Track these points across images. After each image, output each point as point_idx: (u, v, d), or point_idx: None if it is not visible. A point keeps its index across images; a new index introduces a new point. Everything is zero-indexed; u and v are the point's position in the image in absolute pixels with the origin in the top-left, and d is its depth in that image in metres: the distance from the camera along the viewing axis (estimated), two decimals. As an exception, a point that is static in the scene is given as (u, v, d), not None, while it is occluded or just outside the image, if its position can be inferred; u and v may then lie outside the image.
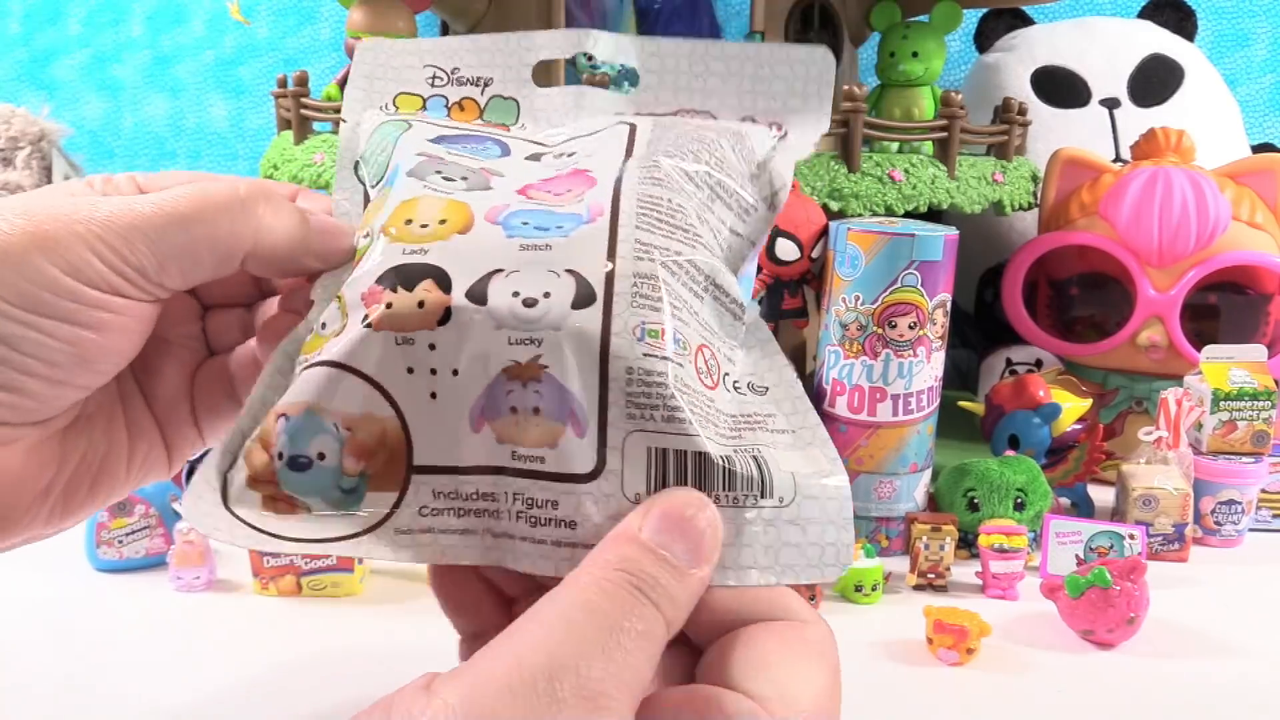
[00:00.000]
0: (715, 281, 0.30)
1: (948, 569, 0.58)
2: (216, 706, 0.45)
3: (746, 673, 0.26)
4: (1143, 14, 1.05)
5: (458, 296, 0.28)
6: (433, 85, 0.37)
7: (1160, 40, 1.00)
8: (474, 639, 0.33)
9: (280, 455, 0.29)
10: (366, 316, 0.28)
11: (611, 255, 0.29)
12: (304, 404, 0.29)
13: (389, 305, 0.28)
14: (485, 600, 0.33)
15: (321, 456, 0.29)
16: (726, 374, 0.30)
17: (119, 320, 0.29)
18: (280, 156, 0.80)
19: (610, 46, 0.35)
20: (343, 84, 0.82)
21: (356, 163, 0.35)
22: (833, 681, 0.27)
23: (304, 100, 0.78)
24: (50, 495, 0.31)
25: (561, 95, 0.36)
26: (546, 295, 0.28)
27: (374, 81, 0.37)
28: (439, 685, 0.23)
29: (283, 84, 0.82)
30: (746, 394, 0.31)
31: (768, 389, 0.31)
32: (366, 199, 0.34)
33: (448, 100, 0.36)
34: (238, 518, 0.29)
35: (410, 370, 0.28)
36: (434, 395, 0.28)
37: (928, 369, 0.61)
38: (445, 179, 0.32)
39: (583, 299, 0.28)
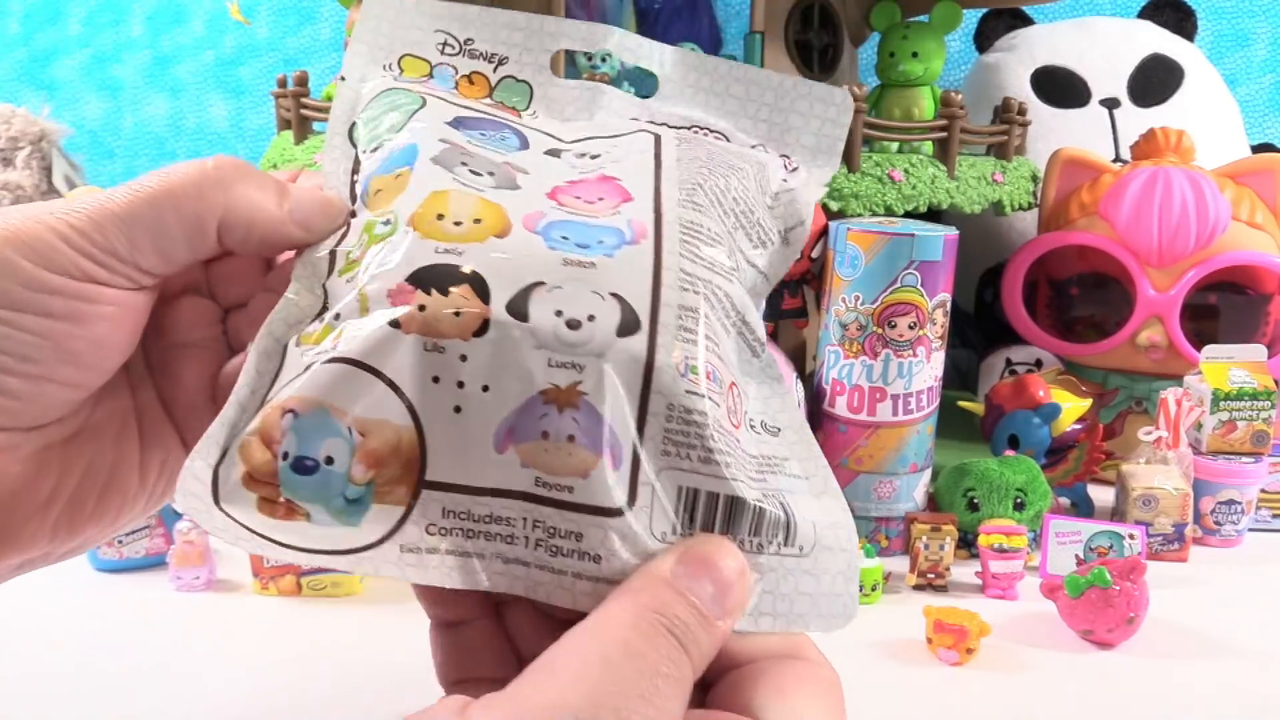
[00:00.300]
0: (745, 318, 0.30)
1: (947, 569, 0.58)
2: (216, 706, 0.45)
3: (764, 702, 0.26)
4: (1143, 14, 1.05)
5: (497, 308, 0.26)
6: (442, 52, 0.34)
7: (1160, 40, 1.00)
8: (447, 627, 0.32)
9: (285, 455, 0.27)
10: (394, 315, 0.26)
11: (657, 282, 0.27)
12: (315, 401, 0.27)
13: (421, 308, 0.26)
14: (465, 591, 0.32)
15: (330, 460, 0.27)
16: (746, 412, 0.30)
17: (100, 310, 0.29)
18: (280, 156, 0.80)
19: (635, 47, 0.35)
20: (343, 84, 0.82)
21: (353, 125, 0.33)
22: None
23: (304, 100, 0.78)
24: (52, 508, 0.30)
25: (577, 89, 0.35)
26: (591, 318, 0.26)
27: (379, 38, 0.34)
28: (475, 712, 0.23)
29: (283, 84, 0.82)
30: (762, 434, 0.30)
31: (780, 430, 0.31)
32: (356, 165, 0.32)
33: (456, 71, 0.34)
34: (230, 518, 0.27)
35: (435, 380, 0.26)
36: (458, 409, 0.27)
37: (927, 369, 0.61)
38: (472, 173, 0.30)
39: (628, 326, 0.26)
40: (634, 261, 0.28)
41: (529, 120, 0.34)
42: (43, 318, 0.28)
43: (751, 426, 0.30)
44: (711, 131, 0.34)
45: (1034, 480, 0.63)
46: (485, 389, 0.26)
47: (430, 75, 0.34)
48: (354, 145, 0.32)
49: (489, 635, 0.32)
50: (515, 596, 0.28)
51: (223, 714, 0.45)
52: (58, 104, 1.20)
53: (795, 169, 0.34)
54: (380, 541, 0.27)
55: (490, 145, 0.31)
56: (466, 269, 0.27)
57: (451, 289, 0.26)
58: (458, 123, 0.32)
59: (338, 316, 0.28)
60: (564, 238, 0.28)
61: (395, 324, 0.26)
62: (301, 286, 0.29)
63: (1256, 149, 1.03)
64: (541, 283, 0.27)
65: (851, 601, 0.28)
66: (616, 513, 0.26)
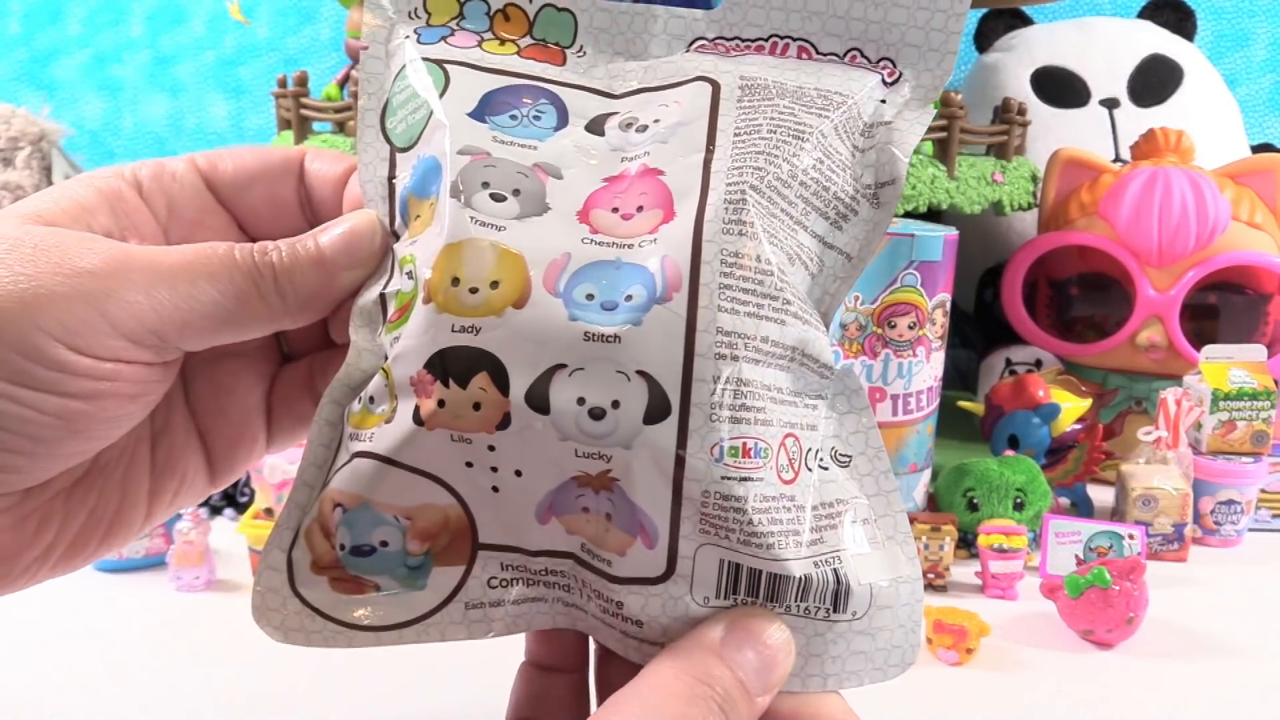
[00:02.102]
0: (805, 352, 0.27)
1: (947, 569, 0.58)
2: (216, 707, 0.45)
3: None
4: (1142, 14, 1.05)
5: (516, 399, 0.25)
6: None
7: (1160, 40, 1.00)
8: (539, 669, 0.32)
9: (343, 546, 0.27)
10: (417, 409, 0.26)
11: (690, 353, 0.25)
12: (358, 497, 0.27)
13: (440, 404, 0.25)
14: (571, 636, 0.32)
15: (384, 544, 0.27)
16: (809, 450, 0.27)
17: (120, 388, 0.26)
18: (280, 156, 0.80)
19: None
20: (343, 84, 0.82)
21: (383, 112, 0.30)
22: None
23: (304, 100, 0.78)
24: (52, 554, 0.28)
25: (628, 15, 0.30)
26: (615, 405, 0.25)
27: None
28: None
29: (283, 84, 0.82)
30: (830, 468, 0.28)
31: (850, 459, 0.28)
32: (393, 163, 0.29)
33: (489, 6, 0.30)
34: (305, 602, 0.27)
35: (469, 464, 0.26)
36: (495, 489, 0.26)
37: (927, 369, 0.61)
38: (494, 197, 0.27)
39: (656, 412, 0.25)
40: (664, 329, 0.25)
41: (573, 68, 0.30)
42: (60, 398, 0.25)
43: (820, 465, 0.28)
44: (794, 40, 0.29)
45: (1034, 480, 0.63)
46: (518, 474, 0.26)
47: (461, 14, 0.30)
48: (387, 140, 0.29)
49: (575, 689, 0.32)
50: (616, 656, 0.29)
51: (222, 714, 0.45)
52: (58, 104, 1.20)
53: (897, 78, 0.29)
54: (446, 602, 0.28)
55: (521, 135, 0.28)
56: (484, 352, 0.25)
57: (470, 379, 0.25)
58: (484, 105, 0.28)
59: (372, 400, 0.27)
60: (588, 296, 0.25)
61: (419, 421, 0.26)
62: (360, 342, 0.28)
63: (1256, 149, 1.03)
64: (563, 365, 0.25)
65: (911, 651, 0.27)
66: (655, 581, 0.26)
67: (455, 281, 0.26)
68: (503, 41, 0.30)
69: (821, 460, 0.28)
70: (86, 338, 0.25)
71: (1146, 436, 0.67)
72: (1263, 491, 0.68)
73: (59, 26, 1.21)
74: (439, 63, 0.29)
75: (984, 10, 1.07)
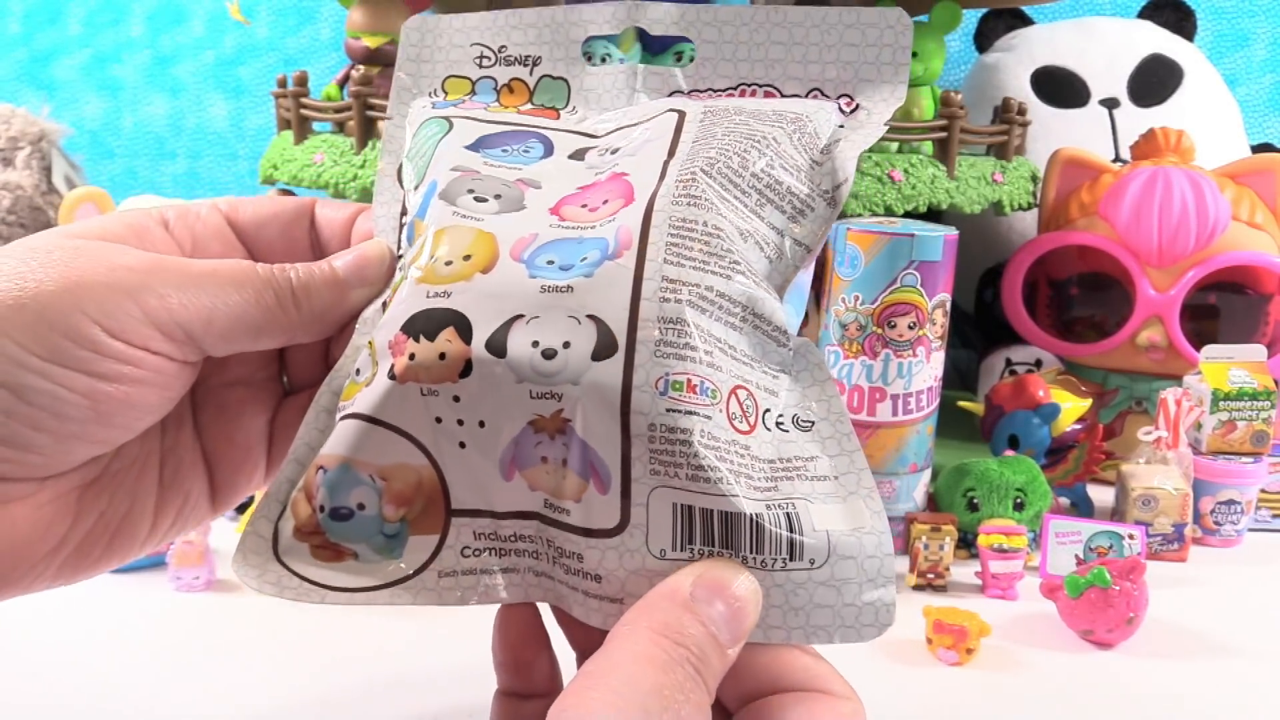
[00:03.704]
0: (754, 311, 0.29)
1: (947, 569, 0.58)
2: (216, 707, 0.45)
3: None
4: (1142, 14, 1.05)
5: (478, 347, 0.27)
6: (480, 65, 0.34)
7: (1160, 40, 1.00)
8: (513, 697, 0.32)
9: (322, 508, 0.28)
10: (392, 367, 0.28)
11: (636, 298, 0.27)
12: (339, 457, 0.28)
13: (412, 356, 0.27)
14: (543, 660, 0.32)
15: (362, 506, 0.28)
16: (767, 410, 0.28)
17: (146, 375, 0.28)
18: (280, 156, 0.80)
19: (663, 17, 0.33)
20: (343, 84, 0.82)
21: (401, 165, 0.33)
22: None
23: (304, 100, 0.78)
24: (60, 553, 0.29)
25: (613, 74, 0.34)
26: (566, 345, 0.27)
27: (421, 65, 0.35)
28: None
29: (283, 84, 0.82)
30: (790, 430, 0.29)
31: (813, 423, 0.29)
32: (404, 206, 0.32)
33: (496, 82, 0.34)
34: (287, 568, 0.29)
35: (439, 420, 0.28)
36: (463, 444, 0.28)
37: (927, 369, 0.61)
38: (476, 199, 0.30)
39: (604, 349, 0.26)
40: (613, 278, 0.27)
41: (566, 120, 0.34)
42: (90, 377, 0.27)
43: (778, 424, 0.29)
44: (760, 86, 0.32)
45: (1034, 480, 0.63)
46: (481, 424, 0.28)
47: (473, 91, 0.34)
48: (402, 187, 0.33)
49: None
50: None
51: (222, 714, 0.45)
52: (58, 104, 1.20)
53: (855, 108, 0.32)
54: (421, 570, 0.29)
55: (509, 161, 0.32)
56: (452, 310, 0.28)
57: (438, 334, 0.27)
58: (478, 144, 0.32)
59: (358, 372, 0.29)
60: (549, 262, 0.28)
61: (393, 376, 0.28)
62: (359, 341, 0.30)
63: (1256, 149, 1.03)
64: (520, 315, 0.27)
65: (885, 610, 0.27)
66: (611, 533, 0.27)
67: (434, 258, 0.29)
68: (505, 107, 0.34)
69: (782, 424, 0.29)
70: (121, 321, 0.27)
71: (1146, 436, 0.67)
72: (1263, 491, 0.68)
73: (59, 26, 1.21)
74: (445, 117, 0.33)
75: (984, 10, 1.07)
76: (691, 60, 0.33)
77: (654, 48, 0.34)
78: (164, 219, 0.32)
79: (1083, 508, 0.68)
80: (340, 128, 0.77)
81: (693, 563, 0.26)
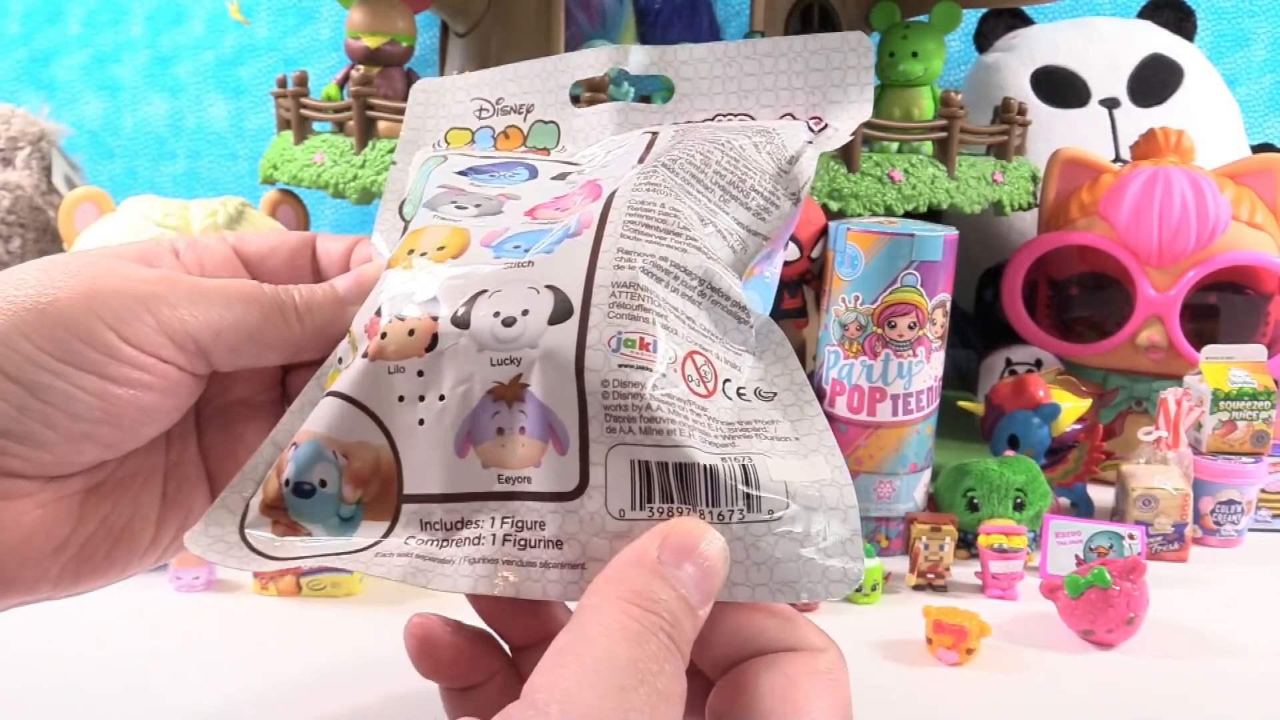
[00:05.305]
0: (712, 285, 0.30)
1: (947, 569, 0.58)
2: (216, 707, 0.45)
3: (770, 707, 0.26)
4: (1143, 14, 1.05)
5: (444, 322, 0.28)
6: (479, 117, 0.37)
7: (1160, 40, 1.00)
8: (459, 693, 0.32)
9: (287, 482, 0.29)
10: (365, 348, 0.29)
11: (592, 268, 0.28)
12: (311, 433, 0.29)
13: (383, 335, 0.29)
14: (480, 658, 0.32)
15: (323, 483, 0.29)
16: (727, 380, 0.29)
17: (157, 383, 0.29)
18: (280, 156, 0.80)
19: (643, 60, 0.35)
20: (342, 84, 0.82)
21: (402, 202, 0.35)
22: (846, 715, 0.27)
23: (304, 100, 0.78)
24: (61, 556, 0.30)
25: (598, 115, 0.36)
26: (525, 313, 0.28)
27: (425, 121, 0.38)
28: None
29: (283, 84, 0.82)
30: (752, 400, 0.29)
31: (775, 394, 0.30)
32: (404, 233, 0.34)
33: (494, 131, 0.37)
34: (246, 542, 0.29)
35: (401, 398, 0.29)
36: (421, 422, 0.29)
37: (927, 369, 0.61)
38: (457, 208, 0.32)
39: (560, 314, 0.27)
40: (572, 252, 0.29)
41: (555, 155, 0.36)
42: (101, 379, 0.28)
43: (739, 394, 0.29)
44: (735, 116, 0.34)
45: (1034, 480, 0.63)
46: (441, 398, 0.28)
47: (473, 140, 0.37)
48: (404, 219, 0.35)
49: (502, 693, 0.32)
50: (535, 643, 0.30)
51: (222, 714, 0.45)
52: (58, 104, 1.20)
53: (824, 127, 0.33)
54: (366, 549, 0.29)
55: (495, 182, 0.34)
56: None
57: (408, 314, 0.29)
58: (469, 171, 0.35)
59: (340, 360, 0.31)
60: (515, 246, 0.30)
61: (365, 355, 0.29)
62: (348, 342, 0.32)
63: (1256, 149, 1.03)
64: (484, 290, 0.29)
65: (853, 565, 0.27)
66: (571, 495, 0.27)
67: (410, 251, 0.31)
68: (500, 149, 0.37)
69: (744, 394, 0.29)
70: (135, 328, 0.28)
71: (1146, 436, 0.67)
72: (1263, 491, 0.68)
73: (59, 26, 1.21)
74: (442, 155, 0.36)
75: (984, 10, 1.07)
76: (670, 96, 0.35)
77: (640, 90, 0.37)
78: (174, 248, 0.33)
79: (1083, 508, 0.68)
80: (340, 128, 0.77)
81: (654, 522, 0.26)
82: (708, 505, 0.27)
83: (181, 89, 1.22)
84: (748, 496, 0.27)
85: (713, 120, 0.34)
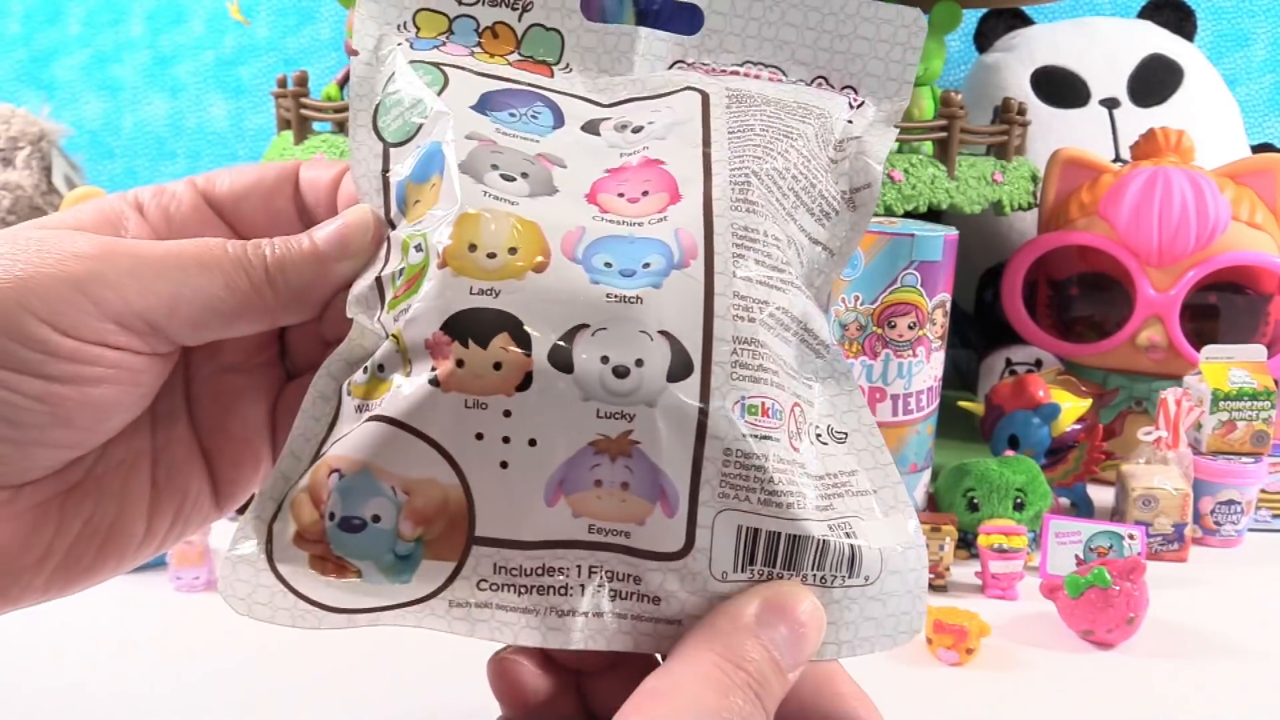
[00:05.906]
0: (807, 326, 0.28)
1: (947, 569, 0.58)
2: (216, 707, 0.45)
3: None
4: (1143, 14, 1.05)
5: (539, 359, 0.25)
6: (460, 2, 0.31)
7: (1160, 40, 1.00)
8: (522, 715, 0.31)
9: (331, 515, 0.26)
10: (434, 372, 0.25)
11: (709, 314, 0.26)
12: (360, 462, 0.26)
13: (460, 363, 0.25)
14: (541, 686, 0.31)
15: (376, 519, 0.26)
16: (810, 424, 0.28)
17: (107, 374, 0.26)
18: (280, 156, 0.80)
19: None
20: (343, 84, 0.82)
21: (375, 112, 0.30)
22: None
23: (304, 100, 0.78)
24: (47, 564, 0.28)
25: (612, 34, 0.31)
26: (639, 363, 0.25)
27: None
28: None
29: (283, 84, 0.82)
30: (828, 443, 0.28)
31: (846, 435, 0.29)
32: (386, 159, 0.29)
33: (478, 23, 0.31)
34: (281, 579, 0.27)
35: (479, 436, 0.25)
36: (504, 465, 0.26)
37: (927, 369, 0.61)
38: (504, 177, 0.28)
39: (679, 370, 0.25)
40: (683, 291, 0.26)
41: (562, 80, 0.31)
42: (43, 380, 0.25)
43: (817, 438, 0.28)
44: (766, 67, 0.31)
45: (1034, 480, 0.63)
46: (532, 443, 0.25)
47: (450, 30, 0.31)
48: (380, 137, 0.30)
49: (565, 716, 0.31)
50: (604, 665, 0.29)
51: (222, 714, 0.45)
52: (58, 104, 1.20)
53: (861, 104, 0.31)
54: (430, 597, 0.27)
55: (521, 129, 0.29)
56: (504, 313, 0.25)
57: (491, 339, 0.25)
58: (484, 103, 0.29)
59: (381, 368, 0.27)
60: (607, 265, 0.26)
61: (435, 383, 0.25)
62: (360, 323, 0.28)
63: (1256, 149, 1.03)
64: (585, 325, 0.25)
65: (918, 618, 0.27)
66: (674, 556, 0.26)
67: (472, 248, 0.26)
68: (492, 55, 0.31)
69: (820, 436, 0.28)
70: (71, 318, 0.25)
71: (1146, 436, 0.67)
72: (1263, 491, 0.68)
73: (59, 26, 1.21)
74: (435, 64, 0.30)
75: (984, 10, 1.07)
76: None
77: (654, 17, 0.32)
78: (138, 201, 0.29)
79: (1083, 508, 0.68)
80: (340, 128, 0.77)
81: (754, 584, 0.26)
82: (813, 569, 0.26)
83: (181, 89, 1.22)
84: (851, 563, 0.27)
85: (740, 69, 0.31)
